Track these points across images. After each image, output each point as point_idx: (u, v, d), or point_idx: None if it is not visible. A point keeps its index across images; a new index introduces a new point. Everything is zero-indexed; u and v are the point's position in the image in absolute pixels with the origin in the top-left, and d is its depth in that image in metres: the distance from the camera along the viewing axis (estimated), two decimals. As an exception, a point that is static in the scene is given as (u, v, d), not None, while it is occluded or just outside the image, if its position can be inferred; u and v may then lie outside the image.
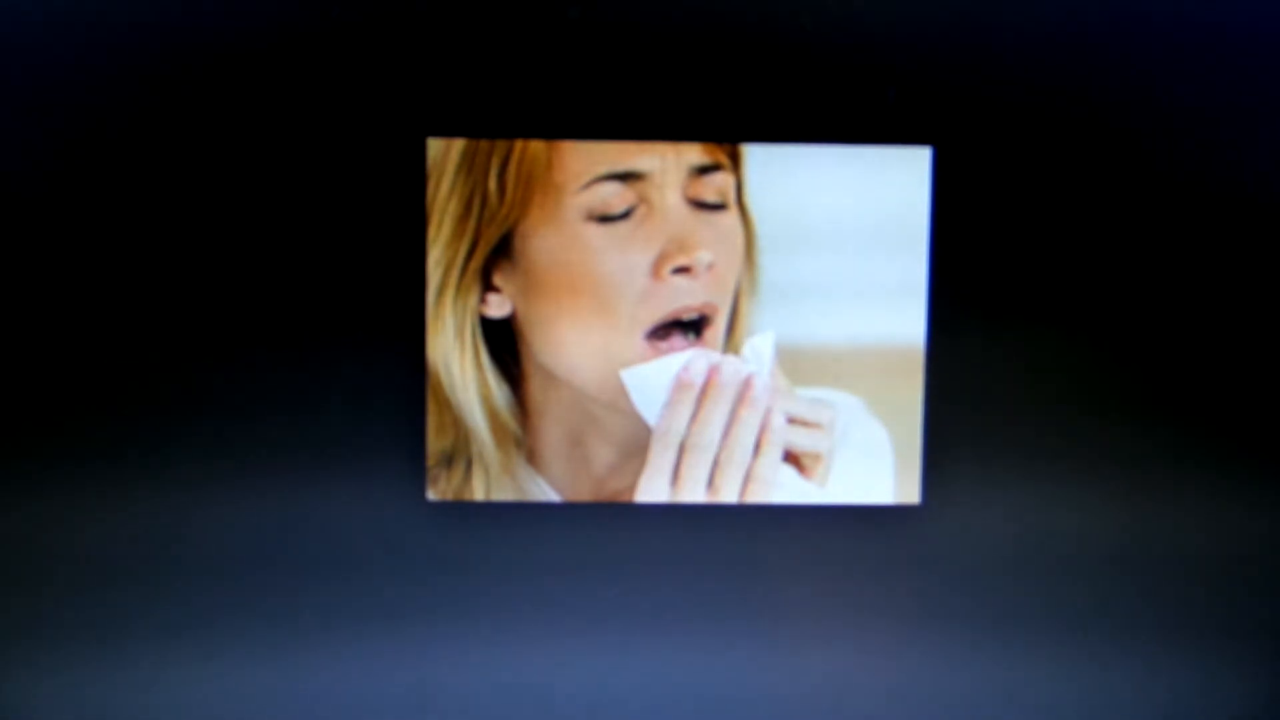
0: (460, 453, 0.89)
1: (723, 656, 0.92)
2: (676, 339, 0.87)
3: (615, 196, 0.87)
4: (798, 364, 0.88)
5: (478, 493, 0.89)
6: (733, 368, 0.88)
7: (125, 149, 0.87)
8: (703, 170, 0.87)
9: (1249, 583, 0.93)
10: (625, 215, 0.87)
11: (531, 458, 0.90)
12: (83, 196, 0.87)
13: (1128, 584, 0.92)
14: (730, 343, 0.88)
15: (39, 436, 0.88)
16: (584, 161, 0.86)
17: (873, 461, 0.90)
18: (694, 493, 0.88)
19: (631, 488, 0.89)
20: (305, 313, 0.88)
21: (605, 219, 0.87)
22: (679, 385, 0.87)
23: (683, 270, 0.87)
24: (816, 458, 0.89)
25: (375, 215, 0.88)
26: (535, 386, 0.89)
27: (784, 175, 0.87)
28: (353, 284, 0.88)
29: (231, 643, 0.91)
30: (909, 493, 0.90)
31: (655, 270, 0.87)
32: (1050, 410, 0.91)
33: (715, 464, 0.88)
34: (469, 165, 0.87)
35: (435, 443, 0.89)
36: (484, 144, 0.86)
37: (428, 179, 0.87)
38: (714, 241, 0.87)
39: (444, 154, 0.87)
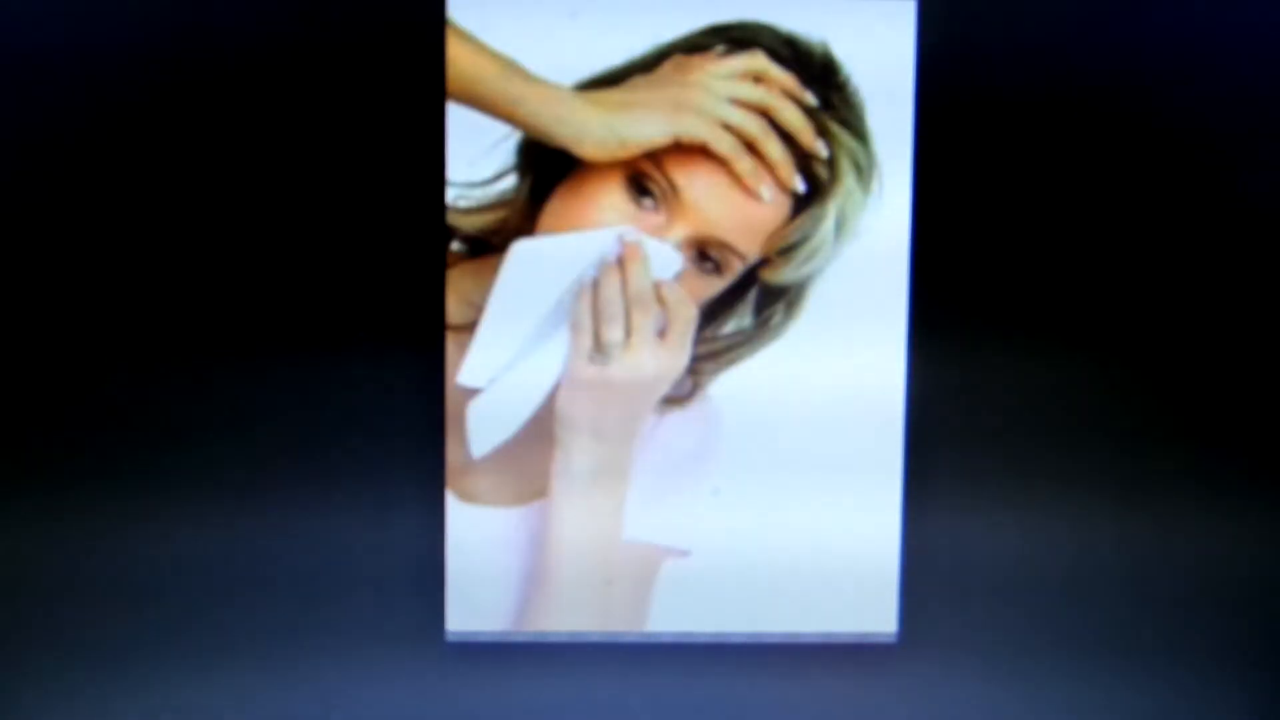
0: None
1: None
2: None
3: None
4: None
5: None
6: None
7: (132, 150, 0.86)
8: None
9: (1246, 601, 0.92)
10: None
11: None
12: (86, 200, 0.86)
13: (1119, 603, 0.92)
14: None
15: (44, 451, 0.87)
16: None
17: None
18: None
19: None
20: (312, 317, 0.88)
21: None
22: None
23: None
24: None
25: (392, 220, 0.87)
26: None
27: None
28: (364, 290, 0.88)
29: (241, 658, 0.90)
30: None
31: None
32: (1043, 422, 0.90)
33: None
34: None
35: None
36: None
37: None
38: None
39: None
